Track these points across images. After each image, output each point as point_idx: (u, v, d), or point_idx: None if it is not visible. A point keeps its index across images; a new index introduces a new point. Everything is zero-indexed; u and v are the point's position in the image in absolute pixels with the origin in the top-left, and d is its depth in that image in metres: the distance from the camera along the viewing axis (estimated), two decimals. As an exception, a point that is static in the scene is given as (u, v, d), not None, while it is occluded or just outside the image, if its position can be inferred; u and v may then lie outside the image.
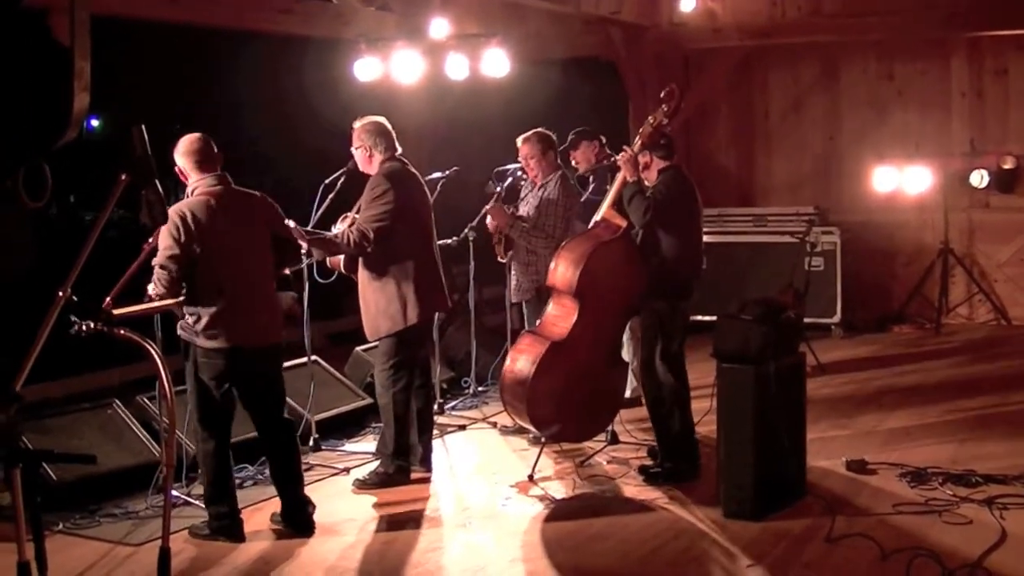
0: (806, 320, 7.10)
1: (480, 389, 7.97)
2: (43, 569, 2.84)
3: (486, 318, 9.01)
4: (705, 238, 6.30)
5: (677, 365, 5.85)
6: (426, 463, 6.14)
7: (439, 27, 7.76)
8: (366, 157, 5.90)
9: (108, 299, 4.28)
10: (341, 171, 6.11)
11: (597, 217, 5.96)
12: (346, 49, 8.03)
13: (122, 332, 3.79)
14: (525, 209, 6.76)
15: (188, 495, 5.66)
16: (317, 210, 6.11)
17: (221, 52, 11.10)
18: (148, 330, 5.29)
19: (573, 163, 7.15)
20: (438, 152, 8.95)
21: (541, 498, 5.74)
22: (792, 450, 5.42)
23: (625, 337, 6.96)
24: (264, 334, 5.13)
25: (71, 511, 5.53)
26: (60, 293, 3.05)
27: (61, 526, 5.38)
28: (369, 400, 7.16)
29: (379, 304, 5.81)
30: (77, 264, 3.05)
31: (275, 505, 5.37)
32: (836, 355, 8.91)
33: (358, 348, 7.69)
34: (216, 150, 5.16)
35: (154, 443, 6.07)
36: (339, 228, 5.90)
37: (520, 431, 6.67)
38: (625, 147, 5.84)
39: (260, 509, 5.58)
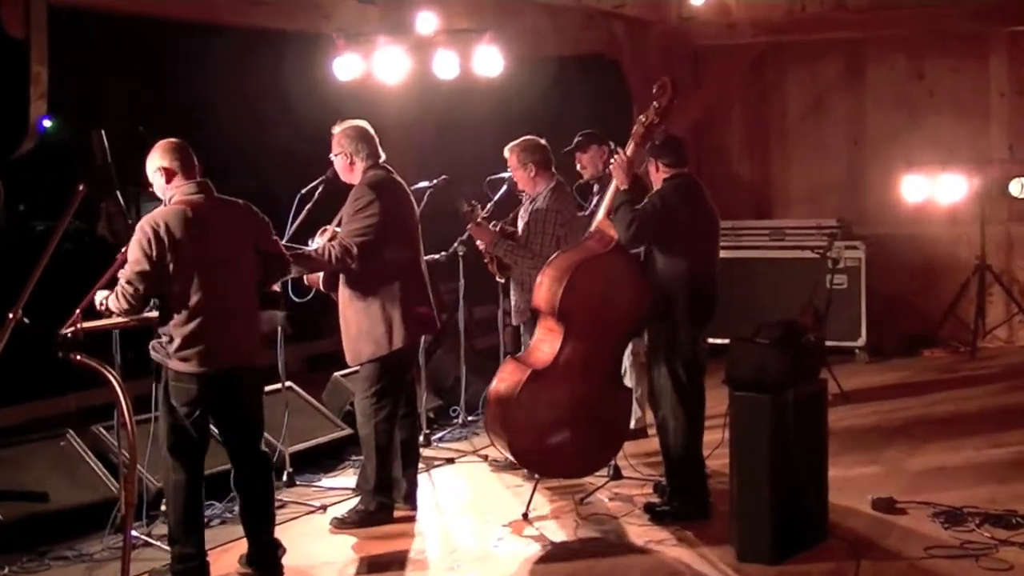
0: (828, 344, 7.12)
1: (470, 419, 7.98)
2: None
3: (477, 340, 9.03)
4: (717, 254, 6.33)
5: (686, 394, 5.86)
6: (411, 500, 6.16)
7: (426, 21, 7.81)
8: (347, 164, 5.94)
9: (77, 311, 4.31)
10: (319, 180, 6.12)
11: (592, 228, 6.01)
12: (324, 45, 8.06)
13: (79, 358, 3.83)
14: (520, 226, 6.82)
15: (149, 535, 5.66)
16: (293, 222, 6.11)
17: (186, 48, 11.12)
18: (106, 353, 5.33)
19: (579, 167, 7.20)
20: (425, 159, 9.00)
21: (536, 539, 5.75)
22: (812, 487, 5.44)
23: (628, 362, 7.01)
24: (243, 356, 5.12)
25: (18, 553, 5.52)
26: (10, 315, 3.07)
27: (7, 570, 5.37)
28: (349, 431, 7.18)
29: (362, 326, 5.84)
30: (29, 283, 3.08)
31: (244, 546, 5.37)
32: (861, 382, 8.95)
33: (337, 374, 7.71)
34: (195, 157, 5.16)
35: (111, 478, 6.09)
36: (318, 243, 5.92)
37: (514, 465, 6.69)
38: (619, 150, 5.88)
39: (228, 551, 5.57)
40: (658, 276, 5.80)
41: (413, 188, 6.33)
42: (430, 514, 6.22)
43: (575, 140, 7.21)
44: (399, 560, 5.55)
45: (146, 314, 4.97)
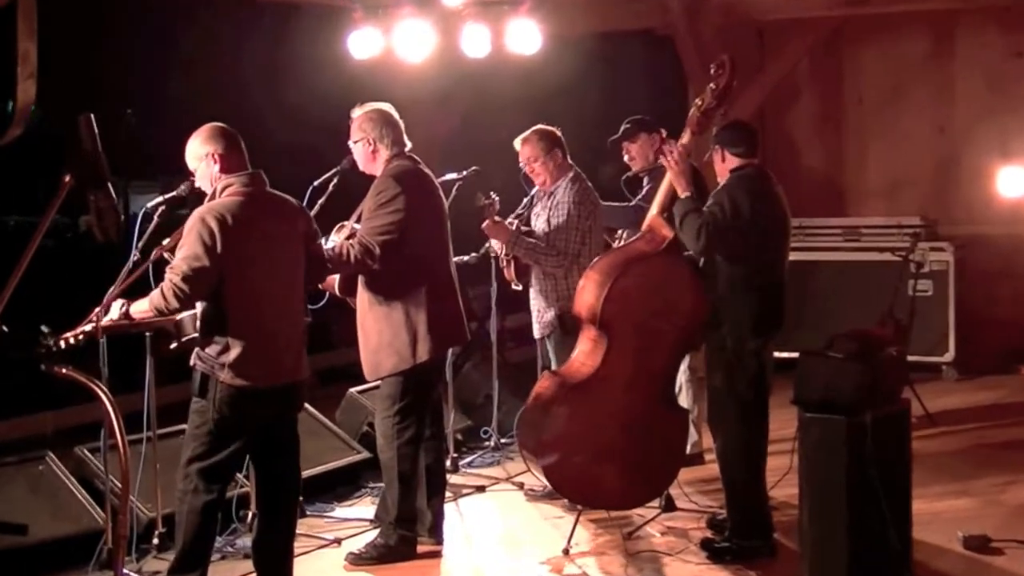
0: (910, 359, 7.09)
1: (503, 441, 8.01)
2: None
3: (511, 352, 9.06)
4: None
5: (750, 414, 5.87)
6: (436, 532, 6.18)
7: (454, -8, 7.84)
8: (369, 152, 5.97)
9: (98, 309, 4.31)
10: (334, 170, 6.14)
11: (643, 227, 6.02)
12: (339, 18, 8.10)
13: (64, 371, 3.84)
14: (538, 224, 6.83)
15: (139, 572, 5.71)
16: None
17: (179, 21, 11.21)
18: (92, 364, 5.38)
19: (626, 158, 7.22)
20: (452, 147, 9.02)
21: (579, 578, 5.77)
22: (894, 522, 5.40)
23: (684, 379, 7.01)
24: (297, 370, 5.15)
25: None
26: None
27: (-20, 610, 5.45)
28: (367, 454, 7.23)
29: (383, 335, 5.87)
30: (9, 286, 3.11)
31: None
32: (949, 403, 8.91)
33: (353, 389, 7.75)
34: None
35: (96, 506, 6.10)
36: (334, 241, 5.94)
37: (552, 494, 6.70)
38: (670, 143, 5.87)
39: (229, 590, 5.63)
40: (719, 280, 5.81)
41: (440, 180, 6.36)
42: (458, 549, 6.24)
43: (622, 128, 7.21)
44: (423, 601, 5.58)
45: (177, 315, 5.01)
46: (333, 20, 8.28)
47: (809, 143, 11.37)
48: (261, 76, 11.55)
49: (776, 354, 6.02)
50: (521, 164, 6.85)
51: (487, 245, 7.42)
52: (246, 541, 5.90)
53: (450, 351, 6.83)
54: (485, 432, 8.09)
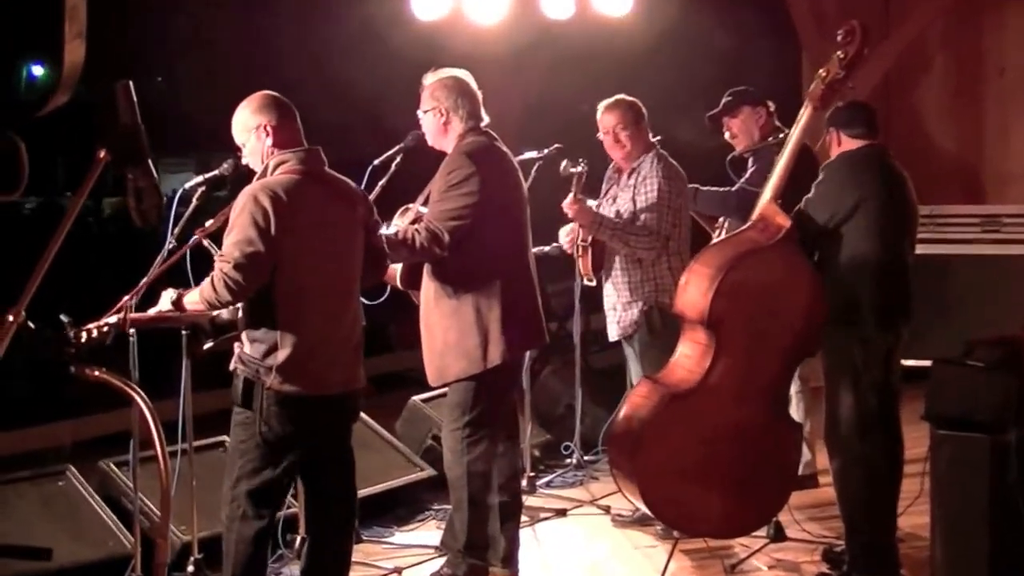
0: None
1: (587, 458, 8.02)
2: None
3: (595, 357, 9.03)
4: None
5: (876, 429, 5.81)
6: (511, 562, 6.13)
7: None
8: (440, 125, 5.95)
9: (126, 298, 4.33)
10: (397, 147, 6.15)
11: (754, 214, 5.98)
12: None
13: (97, 373, 3.84)
14: (614, 209, 6.79)
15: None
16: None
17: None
18: (121, 365, 5.40)
19: (728, 136, 7.19)
20: (530, 122, 9.01)
21: (674, 617, 5.77)
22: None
23: (794, 389, 6.95)
24: (354, 377, 5.13)
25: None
26: (10, 316, 3.11)
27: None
28: (431, 471, 7.25)
29: (449, 335, 5.85)
30: (35, 276, 3.12)
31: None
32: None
33: (416, 398, 7.78)
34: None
35: (123, 528, 6.11)
36: (397, 226, 5.95)
37: (644, 519, 6.68)
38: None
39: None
40: (839, 273, 5.78)
41: (517, 159, 6.33)
42: (535, 581, 6.25)
43: (723, 101, 7.19)
44: (495, 640, 5.59)
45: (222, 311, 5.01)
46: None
47: (942, 121, 11.26)
48: (310, 41, 11.60)
49: (904, 362, 5.95)
50: (601, 134, 6.83)
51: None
52: (294, 570, 5.89)
53: (527, 354, 6.83)
54: (566, 447, 8.09)
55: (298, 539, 5.89)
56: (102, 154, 3.23)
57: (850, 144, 5.91)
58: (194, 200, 5.44)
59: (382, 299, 6.30)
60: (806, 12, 10.31)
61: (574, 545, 6.80)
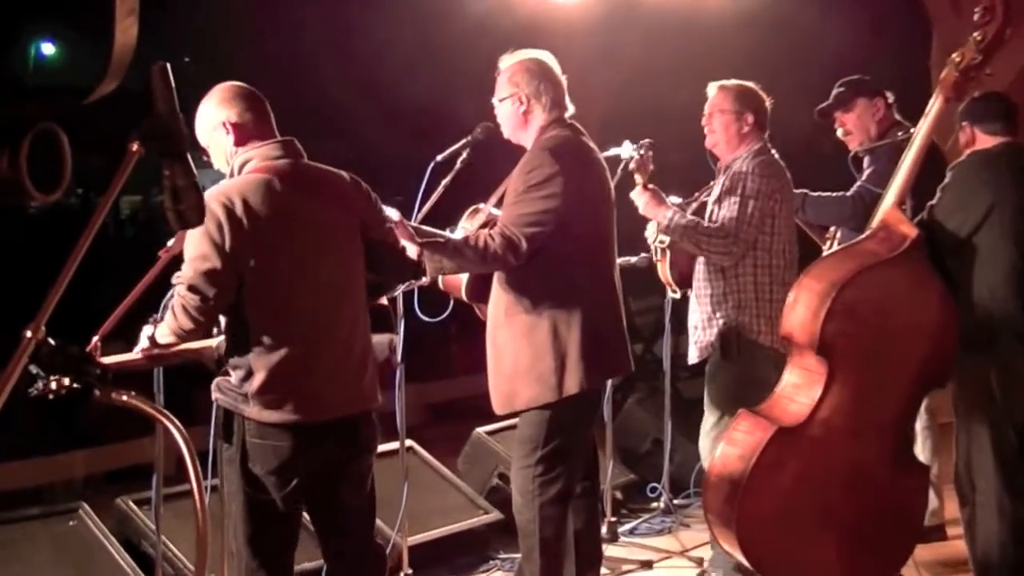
0: None
1: (676, 502, 8.02)
2: None
3: (686, 385, 8.98)
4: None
5: (1019, 473, 5.76)
6: (588, 620, 6.13)
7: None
8: (519, 114, 5.89)
9: (95, 340, 4.34)
10: (463, 141, 6.12)
11: (874, 222, 5.91)
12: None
13: (125, 398, 3.78)
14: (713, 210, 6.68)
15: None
16: (422, 202, 6.13)
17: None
18: (148, 391, 5.40)
19: (841, 132, 7.18)
20: (616, 115, 8.98)
21: None
22: None
23: (920, 424, 6.88)
24: (355, 400, 5.07)
25: None
26: (28, 333, 3.08)
27: None
28: (498, 515, 7.27)
29: (520, 358, 5.79)
30: (56, 289, 3.08)
31: None
32: None
33: (480, 429, 7.79)
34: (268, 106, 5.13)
35: (142, 575, 6.12)
36: (465, 230, 5.94)
37: (744, 573, 6.60)
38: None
39: None
40: (973, 290, 5.75)
41: (602, 156, 6.25)
42: (617, 643, 6.23)
43: (834, 93, 7.22)
44: None
45: (206, 342, 4.98)
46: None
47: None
48: (367, 22, 11.66)
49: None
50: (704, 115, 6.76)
51: (656, 241, 7.26)
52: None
53: (609, 382, 6.79)
54: (653, 489, 8.10)
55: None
56: (135, 146, 3.18)
57: (986, 141, 5.88)
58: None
59: (443, 316, 6.27)
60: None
61: (662, 602, 6.78)
